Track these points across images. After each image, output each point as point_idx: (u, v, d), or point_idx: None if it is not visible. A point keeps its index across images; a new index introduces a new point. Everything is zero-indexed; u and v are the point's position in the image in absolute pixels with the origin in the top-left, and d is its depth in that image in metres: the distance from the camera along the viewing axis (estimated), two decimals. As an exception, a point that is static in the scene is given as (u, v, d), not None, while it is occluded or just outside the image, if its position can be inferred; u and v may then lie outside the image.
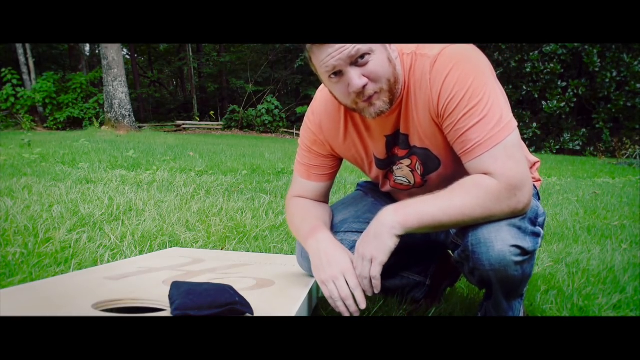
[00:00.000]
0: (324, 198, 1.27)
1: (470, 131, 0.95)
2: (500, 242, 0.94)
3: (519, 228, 0.95)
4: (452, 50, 0.98)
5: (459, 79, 0.95)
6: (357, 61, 0.93)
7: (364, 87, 0.95)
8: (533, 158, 1.25)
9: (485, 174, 0.95)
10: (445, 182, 1.11)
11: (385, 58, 0.96)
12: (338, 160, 1.23)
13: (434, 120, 1.02)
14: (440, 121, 1.01)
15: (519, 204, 0.94)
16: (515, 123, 0.97)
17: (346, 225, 1.24)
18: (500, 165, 0.93)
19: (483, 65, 0.99)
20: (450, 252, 1.37)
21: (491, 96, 0.95)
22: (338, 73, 0.95)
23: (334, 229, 1.23)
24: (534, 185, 1.22)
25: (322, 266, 1.05)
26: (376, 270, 0.98)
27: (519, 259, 0.95)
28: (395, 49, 1.01)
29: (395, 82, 0.99)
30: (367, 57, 0.93)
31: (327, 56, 0.93)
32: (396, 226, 0.96)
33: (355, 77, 0.94)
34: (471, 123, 0.95)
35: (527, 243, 0.95)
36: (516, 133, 0.97)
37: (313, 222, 1.16)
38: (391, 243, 0.97)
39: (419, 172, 1.14)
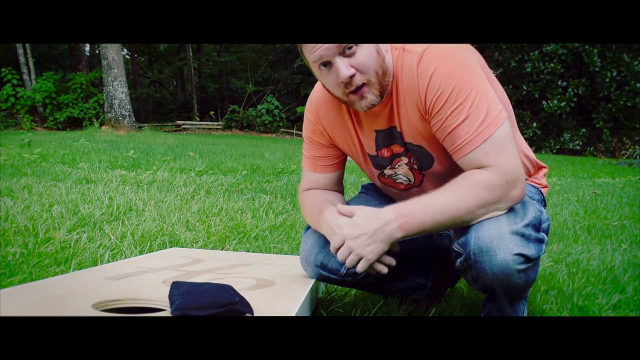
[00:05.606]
0: (336, 187, 1.26)
1: (459, 128, 0.96)
2: (503, 250, 0.93)
3: (522, 235, 0.94)
4: (438, 46, 0.97)
5: (445, 77, 0.95)
6: (344, 51, 0.94)
7: (352, 77, 0.95)
8: (540, 163, 1.24)
9: (479, 168, 0.96)
10: (439, 179, 1.11)
11: (373, 49, 0.96)
12: (341, 150, 1.23)
13: (423, 117, 1.02)
14: (429, 118, 1.01)
15: (513, 195, 0.95)
16: (504, 114, 0.96)
17: None
18: (492, 159, 0.94)
19: (469, 60, 0.98)
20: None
21: (478, 91, 0.95)
22: (327, 64, 0.96)
23: None
24: (541, 192, 1.22)
25: (331, 236, 1.05)
26: (362, 267, 1.00)
27: (522, 266, 0.94)
28: None
29: (383, 74, 0.99)
30: (354, 47, 0.94)
31: (315, 46, 0.94)
32: (395, 231, 0.97)
33: (343, 67, 0.94)
34: (459, 120, 0.95)
35: (530, 250, 0.94)
36: (505, 125, 0.97)
37: (320, 205, 1.16)
38: (386, 247, 0.98)
39: (415, 168, 1.14)
